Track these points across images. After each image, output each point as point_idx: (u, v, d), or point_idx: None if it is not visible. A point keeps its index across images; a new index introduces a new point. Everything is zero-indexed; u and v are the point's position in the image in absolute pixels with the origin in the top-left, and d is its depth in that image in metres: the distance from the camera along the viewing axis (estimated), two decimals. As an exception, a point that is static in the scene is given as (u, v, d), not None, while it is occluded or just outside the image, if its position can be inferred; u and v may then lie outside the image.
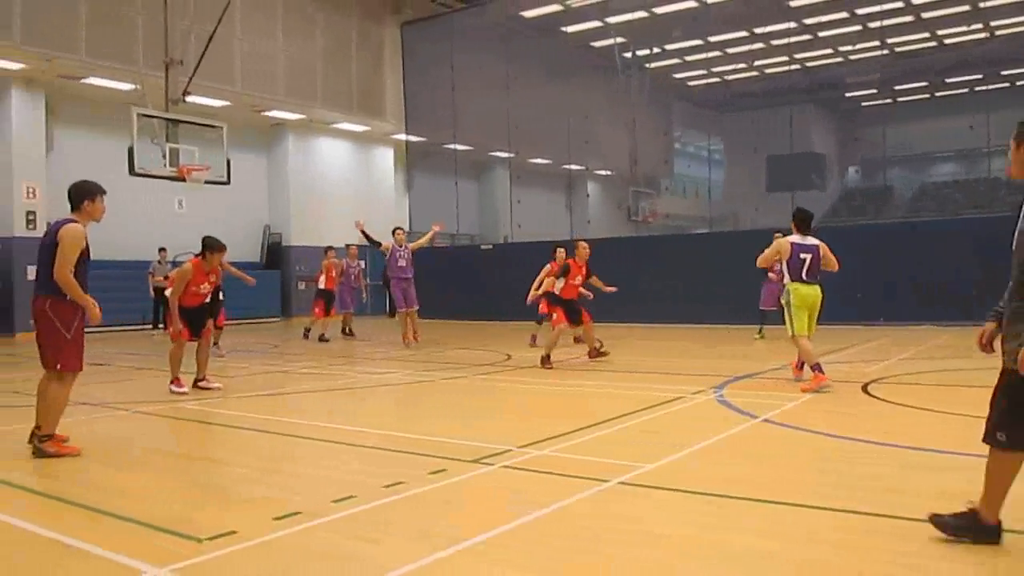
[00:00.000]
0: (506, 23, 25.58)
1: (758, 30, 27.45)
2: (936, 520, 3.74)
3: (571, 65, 27.19)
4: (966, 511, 3.68)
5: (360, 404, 9.09)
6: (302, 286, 25.64)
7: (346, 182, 27.17)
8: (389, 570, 3.43)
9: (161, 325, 19.78)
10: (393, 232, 15.24)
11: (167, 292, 10.66)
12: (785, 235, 9.21)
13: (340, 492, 4.67)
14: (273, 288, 24.59)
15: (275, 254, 25.65)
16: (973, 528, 3.65)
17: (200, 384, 9.63)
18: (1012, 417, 3.53)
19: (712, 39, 29.08)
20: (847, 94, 33.42)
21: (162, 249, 19.96)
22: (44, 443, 5.90)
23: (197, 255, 9.75)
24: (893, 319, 16.85)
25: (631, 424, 6.83)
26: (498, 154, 28.26)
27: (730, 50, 30.16)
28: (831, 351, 12.24)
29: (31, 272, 20.55)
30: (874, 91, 31.21)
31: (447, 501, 4.61)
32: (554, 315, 11.66)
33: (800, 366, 9.20)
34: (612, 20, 26.44)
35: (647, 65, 28.82)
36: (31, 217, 19.51)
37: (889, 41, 28.28)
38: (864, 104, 33.66)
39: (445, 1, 27.23)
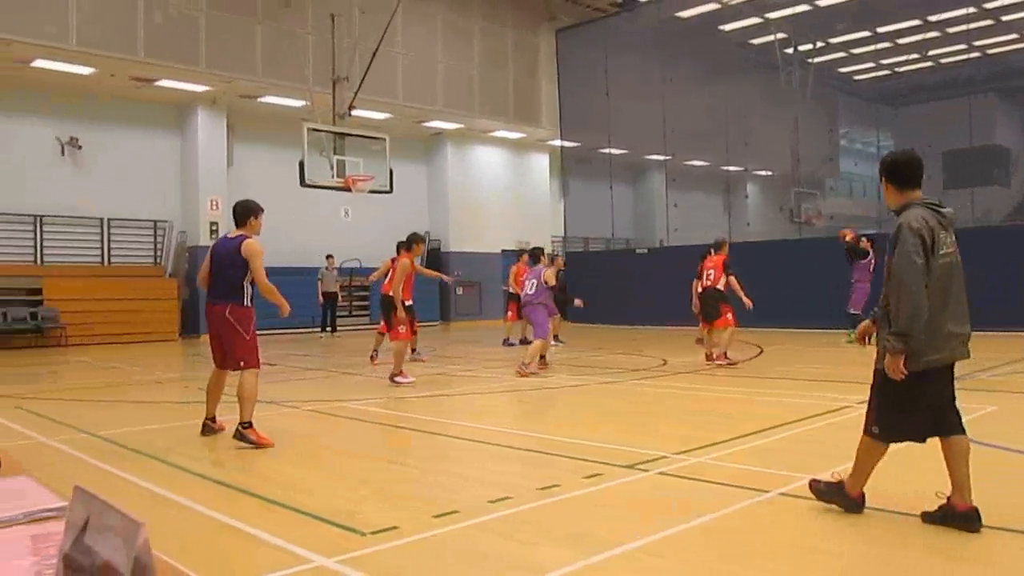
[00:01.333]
0: (661, 25, 25.26)
1: (932, 18, 25.78)
2: (813, 485, 4.41)
3: (729, 64, 26.54)
4: (836, 481, 4.31)
5: (516, 407, 9.21)
6: (460, 291, 26.31)
7: (502, 189, 27.67)
8: (544, 572, 3.46)
9: (328, 328, 20.85)
10: (541, 254, 12.57)
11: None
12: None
13: (496, 493, 4.75)
14: (432, 293, 25.39)
15: (435, 260, 26.41)
16: (839, 496, 4.28)
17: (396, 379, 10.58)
18: (886, 411, 4.12)
19: (881, 30, 27.57)
20: (1035, 81, 30.83)
21: (329, 256, 21.01)
22: (247, 430, 6.47)
23: (398, 253, 11.23)
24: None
25: (793, 433, 6.58)
26: (654, 157, 27.95)
27: (901, 40, 28.49)
28: (1018, 359, 11.34)
29: (214, 279, 21.94)
30: (1067, 77, 28.66)
31: (601, 506, 4.60)
32: (728, 315, 11.60)
33: None
34: (772, 15, 25.58)
35: (810, 60, 27.68)
36: (214, 228, 21.04)
37: (1085, 22, 25.89)
38: (1056, 92, 30.92)
39: (599, 6, 27.23)
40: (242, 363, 6.62)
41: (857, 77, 32.53)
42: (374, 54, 18.08)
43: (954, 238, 4.13)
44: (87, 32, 17.04)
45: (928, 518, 4.05)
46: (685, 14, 25.36)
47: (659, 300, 21.01)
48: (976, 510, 3.94)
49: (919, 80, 30.54)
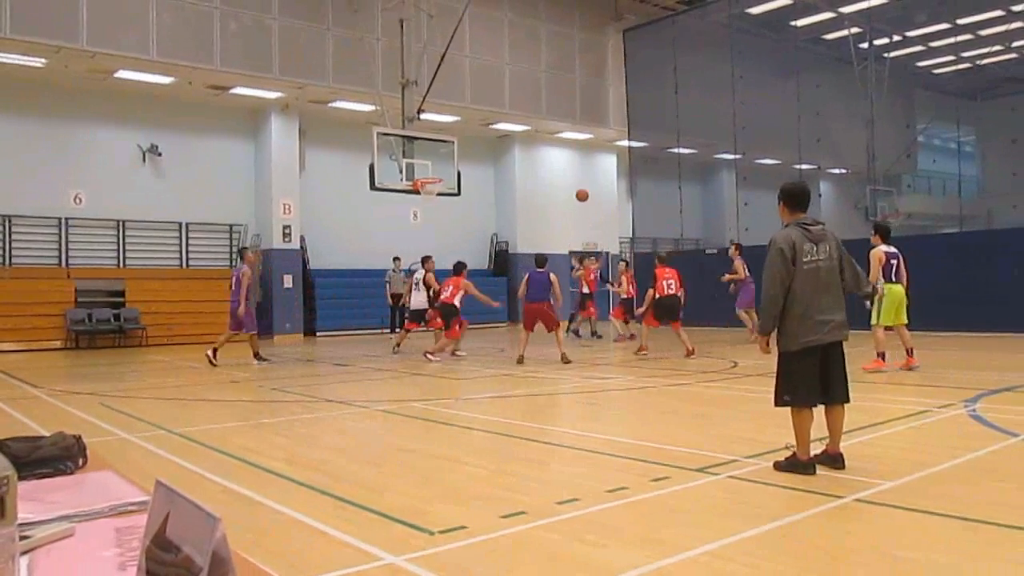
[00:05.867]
0: (730, 22, 24.89)
1: (1016, 8, 24.84)
2: (776, 464, 5.21)
3: (801, 60, 25.96)
4: (790, 455, 5.17)
5: (583, 409, 9.18)
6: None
7: (570, 190, 27.50)
8: (614, 574, 3.44)
9: (397, 329, 21.10)
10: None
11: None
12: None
13: (564, 494, 4.74)
14: (500, 294, 25.46)
15: (502, 261, 26.53)
16: (795, 465, 5.09)
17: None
18: (786, 384, 5.17)
19: (961, 22, 26.68)
20: None
21: (396, 258, 21.25)
22: (565, 354, 13.03)
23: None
24: None
25: (870, 438, 6.40)
26: (724, 156, 27.54)
27: (983, 32, 27.52)
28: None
29: (287, 281, 22.50)
30: None
31: (670, 509, 4.55)
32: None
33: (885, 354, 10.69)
34: (846, 10, 24.98)
35: (886, 55, 26.92)
36: (287, 231, 21.49)
37: None
38: None
39: (667, 4, 26.97)
40: (556, 327, 13.43)
41: (936, 71, 31.54)
42: (442, 58, 18.25)
43: (828, 247, 5.19)
44: (166, 43, 17.61)
45: (817, 459, 5.12)
46: (755, 10, 24.95)
47: (730, 301, 20.70)
48: (841, 454, 5.17)
49: (1003, 72, 29.46)
